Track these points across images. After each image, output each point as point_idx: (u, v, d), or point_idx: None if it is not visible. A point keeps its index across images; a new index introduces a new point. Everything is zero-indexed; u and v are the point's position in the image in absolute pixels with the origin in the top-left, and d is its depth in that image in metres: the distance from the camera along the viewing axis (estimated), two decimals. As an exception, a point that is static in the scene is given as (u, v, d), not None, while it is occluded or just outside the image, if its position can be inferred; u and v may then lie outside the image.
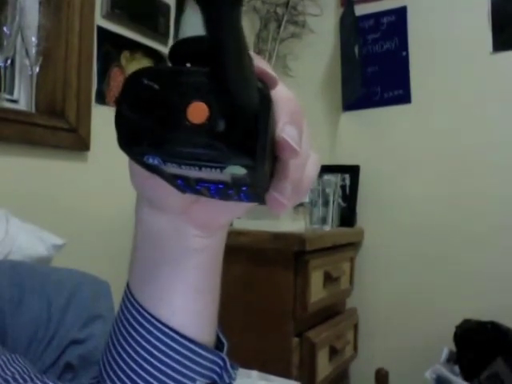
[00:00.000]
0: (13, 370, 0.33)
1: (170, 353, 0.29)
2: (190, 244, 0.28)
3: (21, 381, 0.32)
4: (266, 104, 0.18)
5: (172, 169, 0.19)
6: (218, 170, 0.18)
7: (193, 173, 0.19)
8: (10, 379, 0.32)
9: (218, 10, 0.15)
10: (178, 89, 0.17)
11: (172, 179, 0.21)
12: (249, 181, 0.19)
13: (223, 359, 0.32)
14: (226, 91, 0.17)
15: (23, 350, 0.57)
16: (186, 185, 0.21)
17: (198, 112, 0.17)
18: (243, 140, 0.17)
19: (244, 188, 0.21)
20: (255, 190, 0.21)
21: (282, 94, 0.19)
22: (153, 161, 0.19)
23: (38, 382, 0.33)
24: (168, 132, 0.18)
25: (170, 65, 0.19)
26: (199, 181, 0.20)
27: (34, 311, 0.61)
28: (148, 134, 0.18)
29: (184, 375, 0.30)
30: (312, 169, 0.23)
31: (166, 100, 0.18)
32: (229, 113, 0.17)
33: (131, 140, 0.19)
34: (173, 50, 0.18)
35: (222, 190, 0.21)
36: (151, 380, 0.29)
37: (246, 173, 0.18)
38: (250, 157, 0.18)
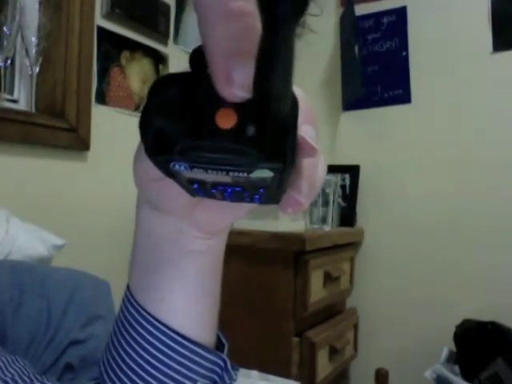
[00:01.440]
0: (12, 371, 0.33)
1: (171, 354, 0.29)
2: (191, 245, 0.28)
3: (20, 382, 0.32)
4: (295, 108, 0.18)
5: (197, 174, 0.19)
6: (245, 174, 0.18)
7: (217, 177, 0.19)
8: (9, 381, 0.32)
9: (283, 20, 0.15)
10: (206, 95, 0.17)
11: (188, 184, 0.21)
12: (270, 183, 0.19)
13: (224, 360, 0.32)
14: (259, 98, 0.17)
15: (23, 351, 0.57)
16: (201, 189, 0.21)
17: (226, 117, 0.17)
18: (273, 144, 0.17)
19: (261, 190, 0.21)
20: (272, 191, 0.21)
21: (297, 94, 0.19)
22: (179, 167, 0.19)
23: (37, 383, 0.33)
24: (197, 138, 0.18)
25: (190, 71, 0.19)
26: (217, 184, 0.20)
27: (34, 311, 0.61)
28: (177, 142, 0.18)
29: (185, 376, 0.30)
30: (322, 168, 0.24)
31: (194, 107, 0.18)
32: (258, 117, 0.17)
33: (159, 148, 0.18)
34: (193, 55, 0.18)
35: (237, 193, 0.21)
36: (152, 381, 0.29)
37: (272, 176, 0.18)
38: (279, 160, 0.18)
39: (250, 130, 0.17)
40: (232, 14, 0.16)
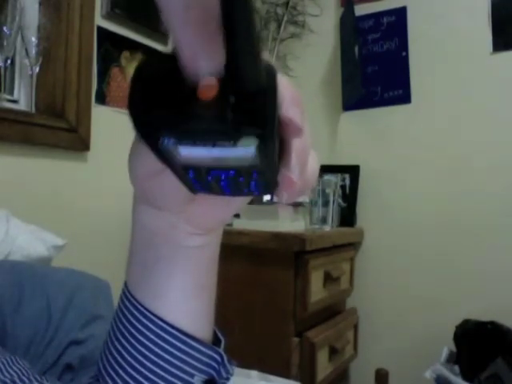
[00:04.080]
0: (12, 372, 0.33)
1: (169, 348, 0.29)
2: (186, 242, 0.29)
3: (19, 383, 0.32)
4: (273, 77, 0.19)
5: (186, 151, 0.20)
6: (232, 143, 0.19)
7: (206, 153, 0.20)
8: (8, 382, 0.32)
9: None
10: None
11: (183, 173, 0.22)
12: (259, 161, 0.20)
13: (221, 355, 0.32)
14: (235, 65, 0.17)
15: (23, 351, 0.57)
16: (196, 177, 0.22)
17: (208, 88, 0.18)
18: (253, 110, 0.18)
19: (254, 175, 0.21)
20: (265, 175, 0.21)
21: (281, 80, 0.20)
22: (168, 142, 0.20)
23: None
24: (181, 110, 0.19)
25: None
26: (210, 169, 0.21)
27: (34, 311, 0.61)
28: (162, 115, 0.19)
29: (183, 371, 0.30)
30: (314, 162, 0.24)
31: (176, 81, 0.19)
32: (238, 86, 0.18)
33: (145, 123, 0.20)
34: None
35: (232, 179, 0.21)
36: (151, 376, 0.30)
37: (257, 146, 0.19)
38: (260, 125, 0.18)
39: (231, 98, 0.18)
40: (188, 22, 0.16)
